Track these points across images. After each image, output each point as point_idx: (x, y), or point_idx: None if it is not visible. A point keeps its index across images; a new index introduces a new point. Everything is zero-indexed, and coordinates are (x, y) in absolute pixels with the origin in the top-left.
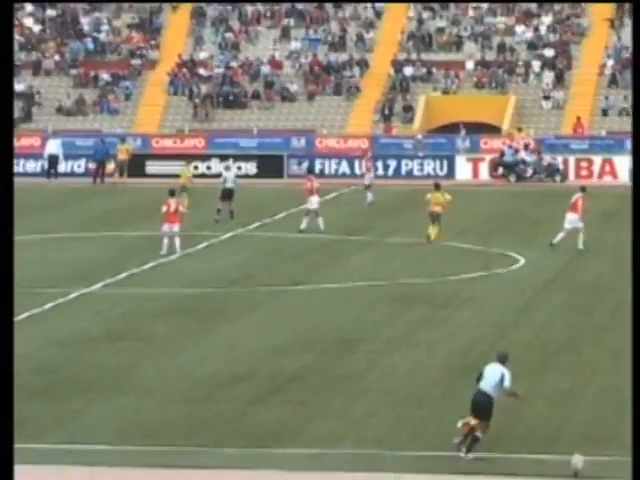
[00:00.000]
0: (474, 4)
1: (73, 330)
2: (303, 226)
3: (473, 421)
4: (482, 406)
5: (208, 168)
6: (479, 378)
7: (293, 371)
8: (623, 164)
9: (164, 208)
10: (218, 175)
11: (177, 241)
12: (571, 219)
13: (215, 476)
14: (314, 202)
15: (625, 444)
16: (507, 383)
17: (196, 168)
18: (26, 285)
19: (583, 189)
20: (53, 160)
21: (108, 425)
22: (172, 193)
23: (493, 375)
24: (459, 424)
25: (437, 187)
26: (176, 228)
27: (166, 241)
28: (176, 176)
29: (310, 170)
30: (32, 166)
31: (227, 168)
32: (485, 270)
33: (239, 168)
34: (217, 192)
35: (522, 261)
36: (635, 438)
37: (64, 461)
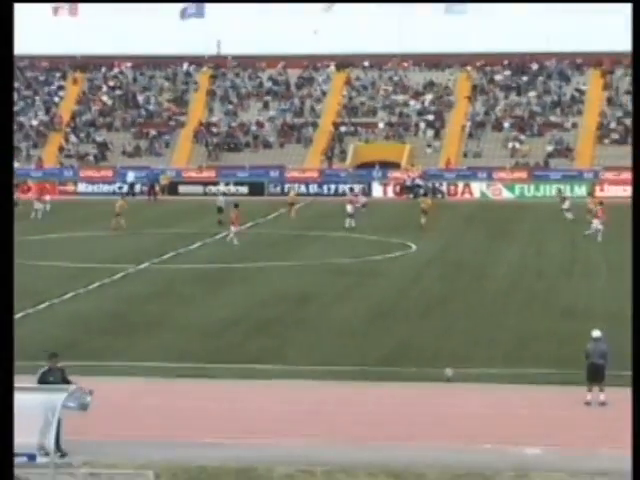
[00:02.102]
0: (384, 86)
1: (132, 291)
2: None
3: None
4: None
5: (218, 190)
6: None
7: (272, 316)
8: (476, 187)
9: (232, 215)
10: (224, 194)
11: (234, 238)
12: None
13: (223, 383)
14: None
15: (479, 360)
16: None
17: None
18: (100, 263)
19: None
20: (132, 185)
21: (155, 351)
22: (236, 205)
23: None
24: None
25: (425, 195)
26: (234, 228)
27: (231, 235)
28: (198, 195)
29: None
30: (107, 188)
31: (222, 194)
32: (391, 253)
33: (237, 190)
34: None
35: (414, 248)
36: (635, 438)
37: (129, 373)
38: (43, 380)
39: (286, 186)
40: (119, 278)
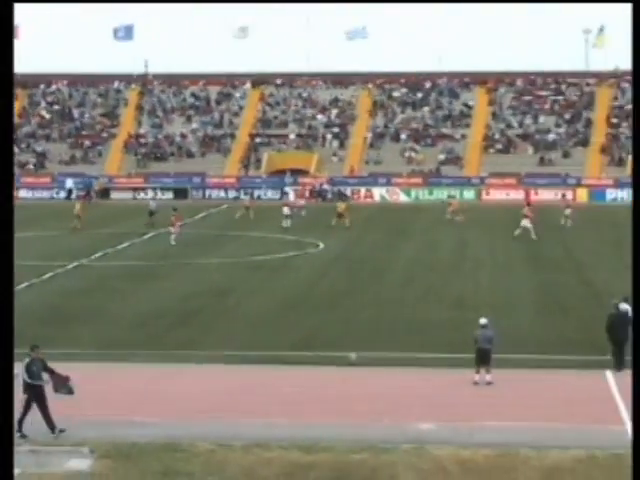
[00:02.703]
0: (294, 102)
1: (68, 286)
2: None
3: None
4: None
5: (146, 195)
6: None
7: (194, 308)
8: (377, 192)
9: (172, 218)
10: (153, 198)
11: (172, 237)
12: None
13: (150, 368)
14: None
15: (380, 345)
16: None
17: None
18: (39, 260)
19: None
20: (70, 191)
21: (88, 339)
22: (175, 209)
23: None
24: None
25: (342, 199)
26: (173, 230)
27: (171, 236)
28: (128, 199)
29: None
30: (46, 194)
31: (153, 198)
32: (302, 250)
33: (163, 195)
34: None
35: (322, 246)
36: (635, 440)
37: (65, 359)
38: (28, 369)
39: (207, 191)
40: (57, 274)
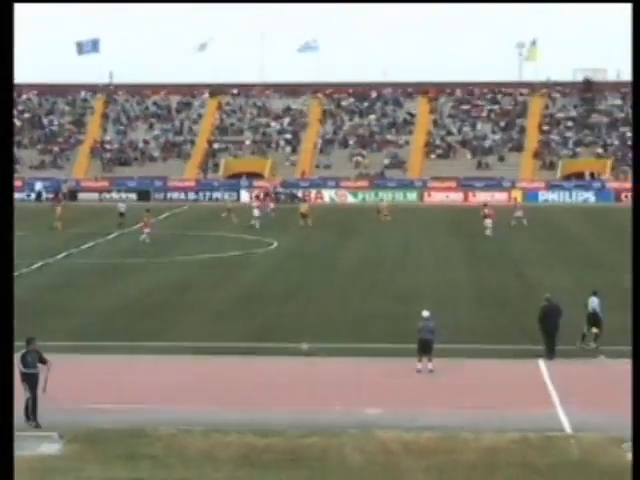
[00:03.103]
0: (250, 110)
1: (39, 282)
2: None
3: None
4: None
5: (111, 197)
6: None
7: (157, 302)
8: (326, 194)
9: (145, 219)
10: (123, 200)
11: (145, 237)
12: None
13: (116, 358)
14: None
15: (330, 336)
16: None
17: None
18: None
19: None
20: (39, 193)
21: (58, 331)
22: (147, 210)
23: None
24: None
25: (305, 201)
26: (146, 230)
27: (144, 236)
28: (94, 201)
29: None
30: (18, 196)
31: (122, 201)
32: (259, 249)
33: (127, 197)
34: (117, 213)
35: (276, 244)
36: (635, 439)
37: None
38: (23, 360)
39: (169, 194)
40: (28, 271)
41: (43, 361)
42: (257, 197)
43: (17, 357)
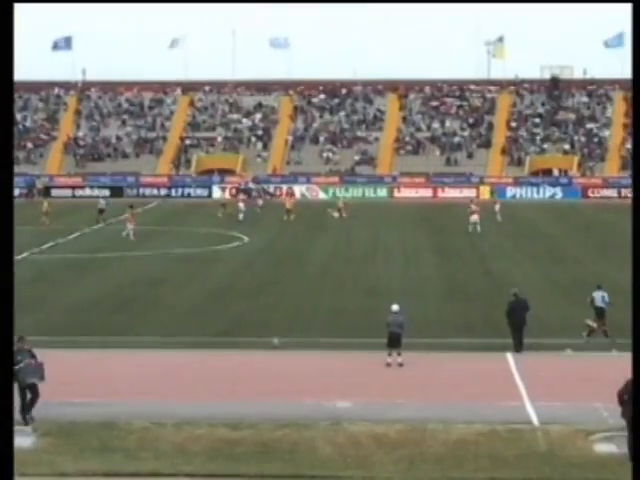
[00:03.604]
0: (222, 107)
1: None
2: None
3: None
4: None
5: (84, 193)
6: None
7: (128, 297)
8: (297, 189)
9: (128, 215)
10: (90, 196)
11: (129, 232)
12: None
13: (89, 352)
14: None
15: (301, 330)
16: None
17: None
18: None
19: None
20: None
21: (32, 326)
22: (131, 206)
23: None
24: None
25: (291, 196)
26: (130, 225)
27: (128, 231)
28: (68, 197)
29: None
30: None
31: (103, 197)
32: (228, 244)
33: (100, 192)
34: (96, 209)
35: (247, 239)
36: (635, 438)
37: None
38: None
39: (141, 189)
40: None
41: (34, 358)
42: (232, 195)
43: None
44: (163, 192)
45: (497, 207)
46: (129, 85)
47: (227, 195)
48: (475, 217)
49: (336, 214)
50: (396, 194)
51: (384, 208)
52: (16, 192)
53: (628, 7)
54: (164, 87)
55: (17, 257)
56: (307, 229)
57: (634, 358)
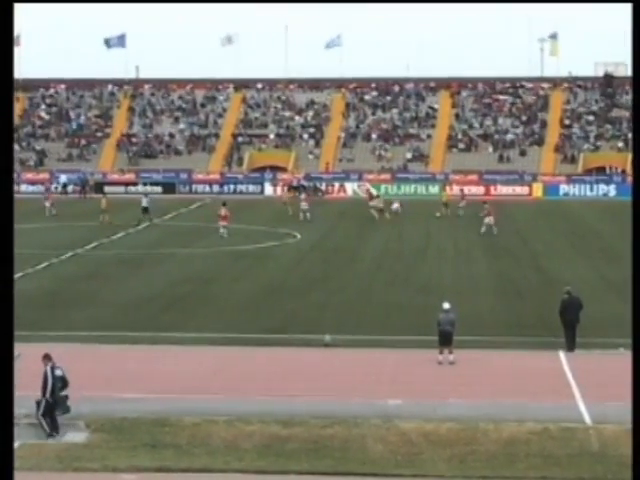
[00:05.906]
0: (274, 104)
1: (67, 273)
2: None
3: None
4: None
5: (137, 190)
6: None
7: (181, 293)
8: (349, 187)
9: (222, 212)
10: (144, 193)
11: (224, 231)
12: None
13: (141, 349)
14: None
15: (352, 328)
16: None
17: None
18: (41, 249)
19: None
20: (65, 185)
21: (85, 321)
22: (224, 203)
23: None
24: None
25: (295, 190)
26: (223, 223)
27: (221, 230)
28: (120, 193)
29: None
30: (39, 189)
31: (145, 195)
32: (280, 241)
33: (153, 189)
34: (139, 208)
35: (299, 236)
36: (635, 438)
37: (61, 340)
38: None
39: (194, 186)
40: (57, 262)
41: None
42: (289, 189)
43: (49, 370)
44: (215, 189)
45: (463, 204)
46: (182, 82)
47: (280, 192)
48: (489, 219)
49: (377, 212)
50: (448, 191)
51: (435, 205)
52: (69, 189)
53: None
54: (216, 84)
55: (67, 254)
56: (357, 226)
57: (634, 358)
